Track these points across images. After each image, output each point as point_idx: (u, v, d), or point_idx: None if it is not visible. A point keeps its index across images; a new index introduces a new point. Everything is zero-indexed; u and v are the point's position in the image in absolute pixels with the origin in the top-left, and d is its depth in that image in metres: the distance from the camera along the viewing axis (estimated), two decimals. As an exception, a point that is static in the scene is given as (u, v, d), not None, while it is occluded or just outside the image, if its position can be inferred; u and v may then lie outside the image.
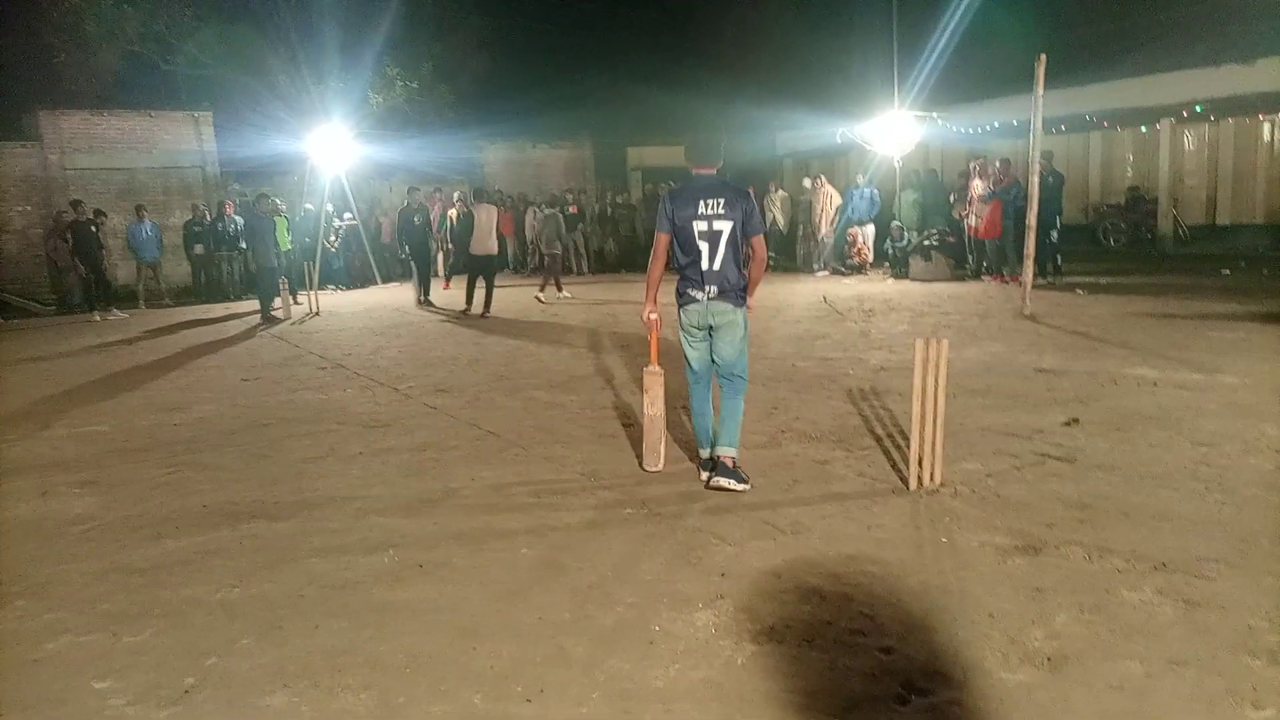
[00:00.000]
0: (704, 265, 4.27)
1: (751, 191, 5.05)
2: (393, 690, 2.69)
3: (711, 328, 4.37)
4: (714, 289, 4.28)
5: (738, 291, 4.32)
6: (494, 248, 11.94)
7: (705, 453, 4.58)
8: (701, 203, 4.25)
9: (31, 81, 18.79)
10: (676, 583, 3.37)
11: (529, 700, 2.60)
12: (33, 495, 4.83)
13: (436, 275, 16.93)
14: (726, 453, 4.38)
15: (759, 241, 4.39)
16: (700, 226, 4.24)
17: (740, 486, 4.34)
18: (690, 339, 4.47)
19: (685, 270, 4.36)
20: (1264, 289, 10.70)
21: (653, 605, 3.18)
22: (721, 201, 4.24)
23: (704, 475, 4.51)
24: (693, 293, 4.33)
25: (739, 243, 4.28)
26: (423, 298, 13.93)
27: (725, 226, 4.23)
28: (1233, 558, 3.36)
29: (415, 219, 14.18)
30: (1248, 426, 5.05)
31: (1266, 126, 16.47)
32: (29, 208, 16.82)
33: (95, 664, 2.90)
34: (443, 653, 2.91)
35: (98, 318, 13.84)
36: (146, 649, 3.00)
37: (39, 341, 11.61)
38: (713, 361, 4.48)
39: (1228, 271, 12.52)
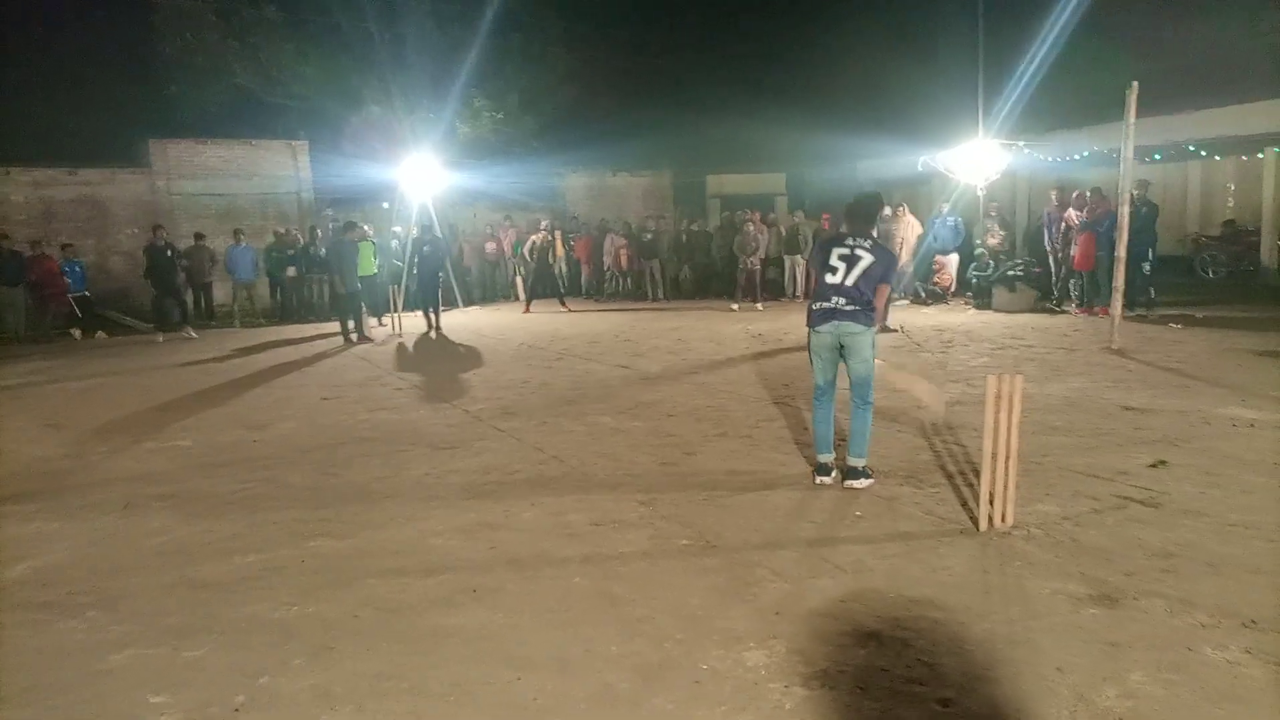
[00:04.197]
0: (836, 280, 4.73)
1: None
2: (434, 718, 2.68)
3: (842, 347, 4.78)
4: (843, 300, 4.70)
5: (866, 311, 4.71)
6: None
7: (823, 458, 5.01)
8: (850, 239, 4.81)
9: (144, 112, 19.94)
10: (729, 619, 3.29)
11: (568, 736, 2.57)
12: (116, 507, 5.03)
13: (457, 306, 17.50)
14: (857, 462, 4.87)
15: (884, 288, 4.83)
16: (841, 252, 4.77)
17: (866, 483, 4.85)
18: (818, 359, 4.92)
19: (818, 288, 4.83)
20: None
21: (702, 642, 3.12)
22: (868, 244, 4.78)
23: (818, 479, 4.96)
24: (823, 305, 4.76)
25: (873, 277, 4.70)
26: (433, 325, 14.12)
27: (866, 258, 4.71)
28: (1332, 618, 3.12)
29: (425, 249, 14.46)
30: (1355, 474, 4.71)
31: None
32: (137, 230, 17.77)
33: (154, 678, 2.99)
34: (488, 682, 2.89)
35: (191, 332, 14.53)
36: (204, 665, 3.08)
37: (139, 357, 12.16)
38: (835, 381, 4.95)
39: (1339, 307, 11.79)
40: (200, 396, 8.76)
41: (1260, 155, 15.37)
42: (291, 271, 16.96)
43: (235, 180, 18.67)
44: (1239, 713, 2.56)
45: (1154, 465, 5.02)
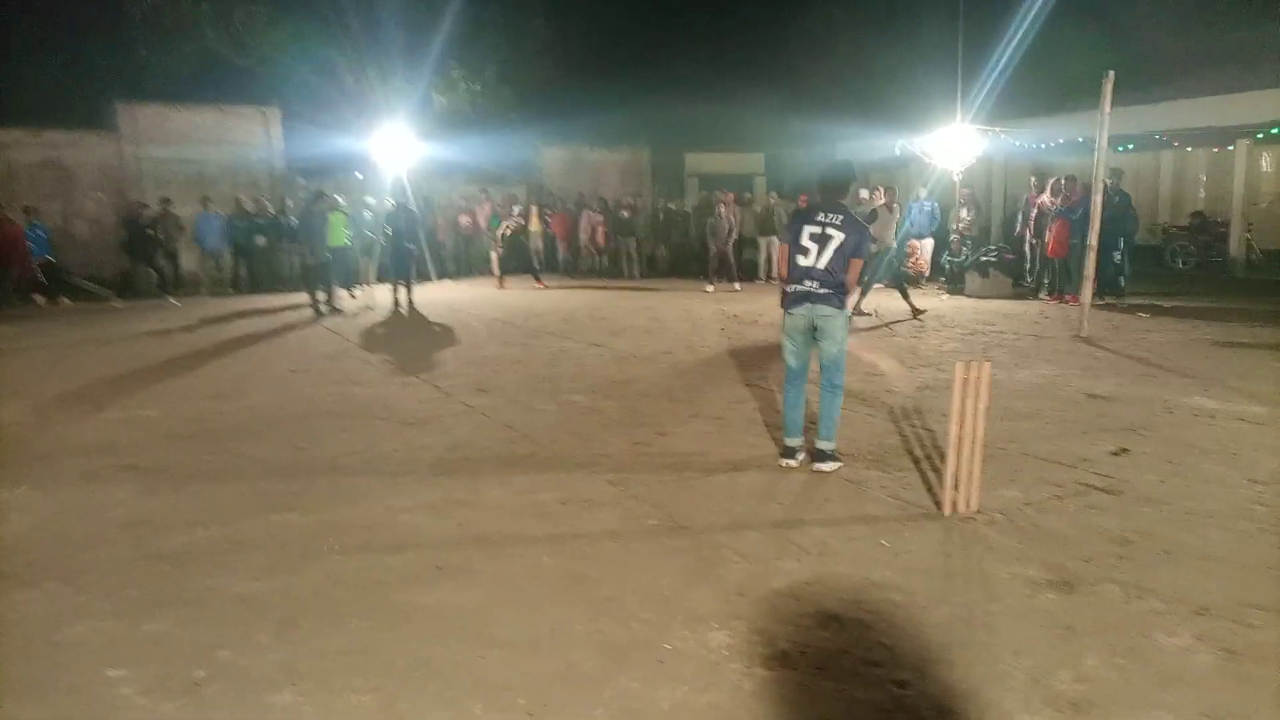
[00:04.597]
0: (809, 262, 4.72)
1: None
2: (398, 695, 2.69)
3: (815, 329, 4.79)
4: (815, 283, 4.70)
5: (839, 293, 4.73)
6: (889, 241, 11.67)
7: (790, 442, 5.02)
8: (821, 214, 4.77)
9: (111, 75, 19.48)
10: (693, 600, 3.32)
11: (530, 715, 2.58)
12: (77, 477, 4.96)
13: (430, 279, 17.34)
14: (825, 445, 4.90)
15: (857, 263, 4.80)
16: (813, 230, 4.73)
17: (834, 466, 4.88)
18: (791, 342, 4.92)
19: (791, 270, 4.81)
20: (1340, 319, 10.23)
21: (667, 622, 3.14)
22: (840, 219, 4.73)
23: (783, 462, 4.99)
24: (796, 288, 4.76)
25: (844, 253, 4.70)
26: (402, 301, 13.85)
27: (837, 236, 4.68)
28: (1281, 606, 3.19)
29: (400, 222, 14.26)
30: (1310, 465, 4.81)
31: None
32: (103, 195, 17.40)
33: (112, 651, 2.96)
34: (453, 659, 2.90)
35: (174, 301, 14.39)
36: (164, 638, 3.05)
37: (104, 326, 11.96)
38: (807, 364, 4.98)
39: (1303, 299, 12.00)
40: (167, 366, 8.64)
41: (1231, 148, 15.55)
42: (261, 241, 16.71)
43: (205, 146, 18.28)
44: (1187, 697, 2.62)
45: (1116, 453, 5.11)
